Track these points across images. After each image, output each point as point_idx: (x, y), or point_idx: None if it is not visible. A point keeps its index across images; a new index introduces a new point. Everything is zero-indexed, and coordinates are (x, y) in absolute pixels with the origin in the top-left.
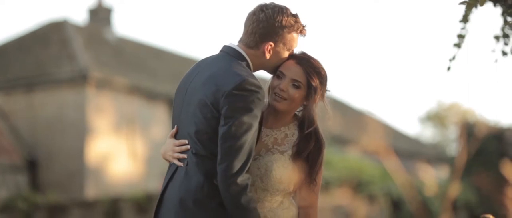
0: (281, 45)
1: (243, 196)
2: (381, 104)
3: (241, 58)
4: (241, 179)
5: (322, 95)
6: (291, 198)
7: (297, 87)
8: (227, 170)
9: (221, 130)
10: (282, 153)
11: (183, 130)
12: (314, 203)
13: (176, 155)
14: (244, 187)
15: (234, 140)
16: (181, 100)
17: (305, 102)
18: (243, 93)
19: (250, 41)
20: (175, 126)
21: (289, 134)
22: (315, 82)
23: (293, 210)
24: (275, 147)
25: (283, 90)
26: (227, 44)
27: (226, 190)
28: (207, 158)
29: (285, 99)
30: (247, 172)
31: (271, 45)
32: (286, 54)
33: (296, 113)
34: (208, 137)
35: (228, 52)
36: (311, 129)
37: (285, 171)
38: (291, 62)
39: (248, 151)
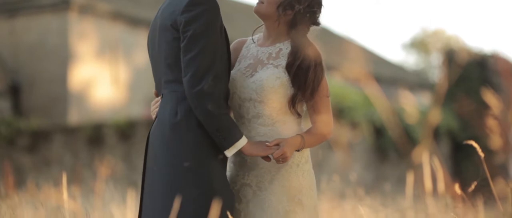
0: None
1: (210, 102)
2: (365, 31)
3: None
4: (206, 86)
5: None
6: (302, 125)
7: None
8: (191, 80)
9: (181, 46)
10: (276, 66)
11: (159, 62)
12: (317, 120)
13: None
14: (210, 94)
15: (192, 51)
16: (153, 33)
17: (287, 11)
18: (194, 7)
19: None
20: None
21: (284, 48)
22: None
23: (291, 128)
24: (270, 61)
25: None
26: None
27: (193, 100)
28: (176, 82)
29: (262, 2)
30: (217, 82)
31: None
32: None
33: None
34: (173, 60)
35: None
36: (300, 43)
37: (277, 81)
38: None
39: (210, 58)
